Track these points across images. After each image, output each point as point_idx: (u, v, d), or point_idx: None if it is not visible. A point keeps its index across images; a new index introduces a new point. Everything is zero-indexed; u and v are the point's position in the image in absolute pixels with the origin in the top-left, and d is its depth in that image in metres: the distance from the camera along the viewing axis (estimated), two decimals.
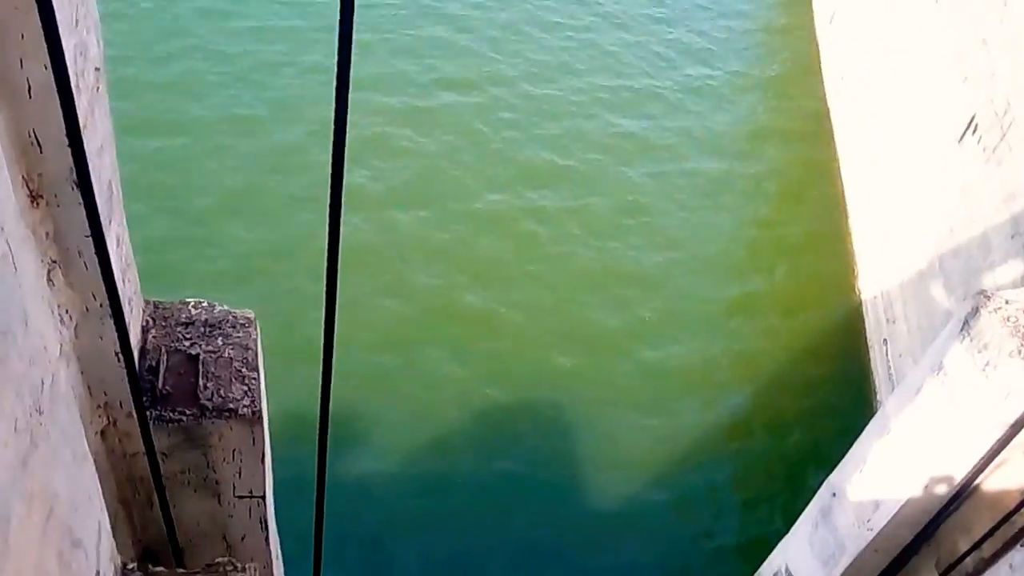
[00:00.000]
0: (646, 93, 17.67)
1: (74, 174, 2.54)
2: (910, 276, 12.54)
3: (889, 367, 12.55)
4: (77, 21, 2.65)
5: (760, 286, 14.46)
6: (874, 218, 14.52)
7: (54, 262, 2.76)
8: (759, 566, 8.54)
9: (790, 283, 14.52)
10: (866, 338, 13.64)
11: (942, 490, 6.34)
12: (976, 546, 6.15)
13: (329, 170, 1.96)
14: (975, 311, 6.08)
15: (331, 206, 2.00)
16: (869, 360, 13.36)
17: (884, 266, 13.64)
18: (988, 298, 6.08)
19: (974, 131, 11.76)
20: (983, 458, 6.01)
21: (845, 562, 6.77)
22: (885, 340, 12.93)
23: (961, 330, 6.14)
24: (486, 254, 14.16)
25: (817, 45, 19.31)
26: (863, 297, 14.19)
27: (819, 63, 18.87)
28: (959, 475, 6.25)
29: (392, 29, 17.80)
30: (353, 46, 1.77)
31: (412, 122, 15.98)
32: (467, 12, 18.70)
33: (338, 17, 1.74)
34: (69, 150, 2.43)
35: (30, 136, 2.48)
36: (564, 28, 18.99)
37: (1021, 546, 5.66)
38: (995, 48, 11.70)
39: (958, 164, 11.98)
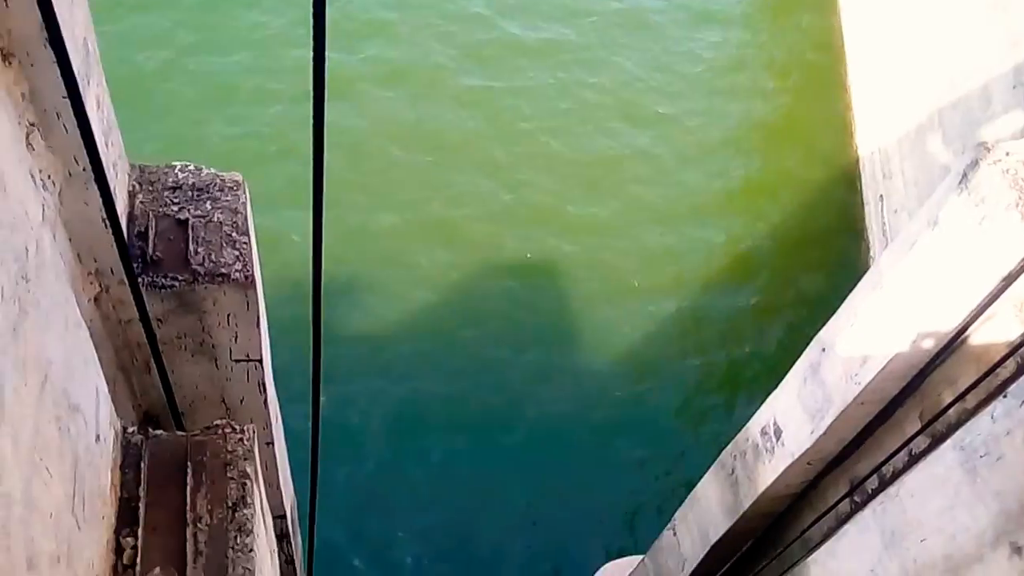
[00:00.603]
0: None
1: (44, 30, 2.41)
2: (908, 130, 12.35)
3: (884, 223, 12.54)
4: None
5: (754, 142, 14.27)
6: (873, 70, 14.18)
7: (32, 124, 2.66)
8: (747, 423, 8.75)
9: (785, 139, 14.33)
10: (862, 194, 13.58)
11: (930, 344, 6.41)
12: (960, 397, 6.26)
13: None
14: (974, 163, 5.97)
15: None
16: (864, 216, 13.34)
17: (882, 120, 13.42)
18: (988, 150, 5.97)
19: None
20: (972, 312, 6.05)
21: (832, 415, 6.90)
22: (881, 196, 12.86)
23: (959, 183, 6.05)
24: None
25: None
26: (860, 153, 14.03)
27: None
28: (948, 329, 6.31)
29: None
30: None
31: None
32: None
33: None
34: (37, 4, 2.30)
35: None
36: None
37: (1003, 397, 5.76)
38: None
39: (961, 10, 11.61)
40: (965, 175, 6.01)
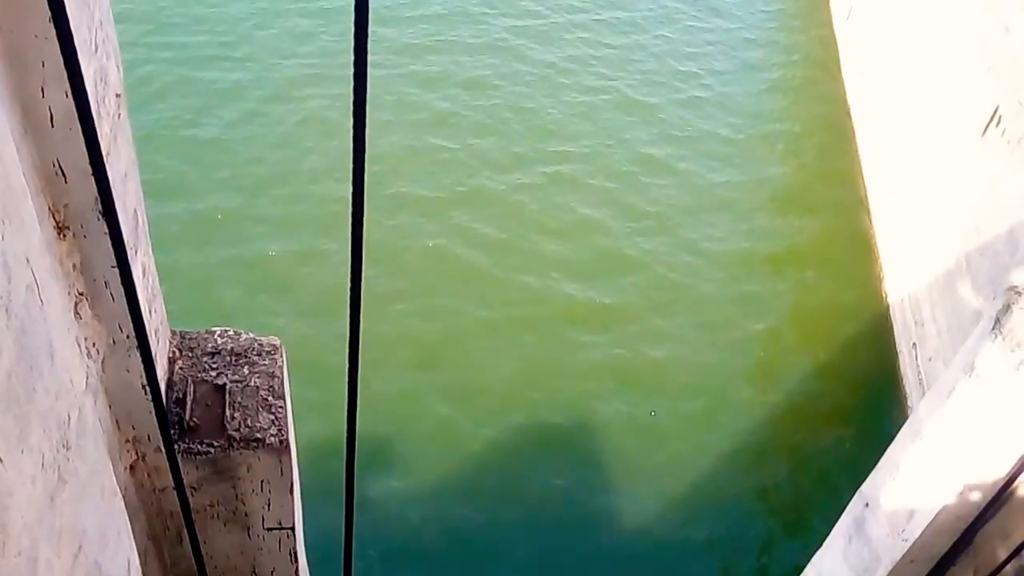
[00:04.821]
0: (665, 103, 17.58)
1: (99, 203, 2.50)
2: (937, 277, 12.37)
3: (919, 371, 12.38)
4: (96, 47, 2.62)
5: (784, 292, 14.32)
6: (898, 218, 14.36)
7: (81, 294, 2.72)
8: None
9: (815, 288, 14.37)
10: (895, 342, 13.47)
11: (978, 496, 6.21)
12: (1016, 553, 6.01)
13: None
14: (1007, 308, 5.95)
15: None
16: (898, 365, 13.19)
17: (910, 267, 13.47)
18: (1019, 294, 5.95)
19: (998, 123, 11.60)
20: (1020, 460, 5.88)
21: (881, 575, 6.64)
22: (914, 344, 12.75)
23: (993, 328, 6.02)
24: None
25: (836, 42, 19.22)
26: (890, 300, 14.02)
27: (838, 61, 18.77)
28: (996, 479, 6.12)
29: None
30: None
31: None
32: None
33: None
34: (93, 179, 2.39)
35: (54, 166, 2.44)
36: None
37: None
38: (1018, 35, 11.53)
39: (982, 158, 11.83)
40: (998, 320, 5.98)
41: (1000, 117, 11.55)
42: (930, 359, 12.08)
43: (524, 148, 16.12)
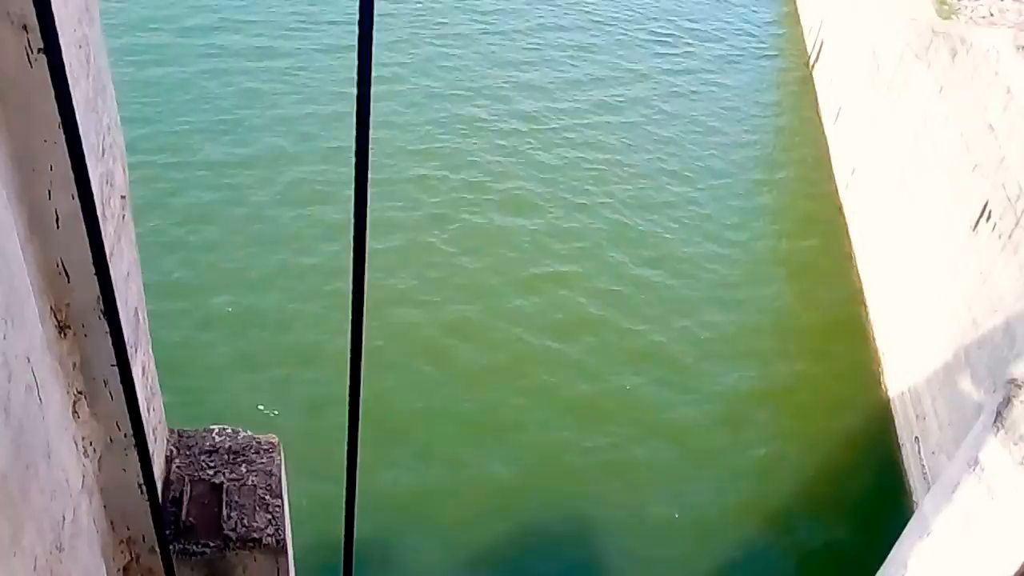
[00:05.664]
0: (664, 203, 17.82)
1: (101, 302, 2.52)
2: (936, 369, 12.37)
3: (923, 465, 12.26)
4: (104, 151, 2.68)
5: (782, 387, 14.27)
6: (894, 311, 14.43)
7: (80, 393, 2.72)
8: None
9: (813, 383, 14.32)
10: (896, 436, 13.37)
11: None
12: None
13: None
14: (1007, 401, 5.95)
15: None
16: (901, 458, 13.06)
17: (909, 360, 13.47)
18: (1020, 387, 5.96)
19: (988, 218, 11.78)
20: None
21: None
22: (916, 437, 12.66)
23: (994, 422, 6.00)
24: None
25: (826, 141, 19.64)
26: (890, 394, 13.97)
27: (829, 159, 19.15)
28: (1006, 574, 6.01)
29: None
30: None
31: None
32: None
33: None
34: (96, 279, 2.42)
35: (58, 266, 2.47)
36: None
37: None
38: (1002, 133, 11.82)
39: (975, 252, 11.96)
40: (999, 414, 5.95)
41: (990, 212, 11.74)
42: (933, 453, 11.98)
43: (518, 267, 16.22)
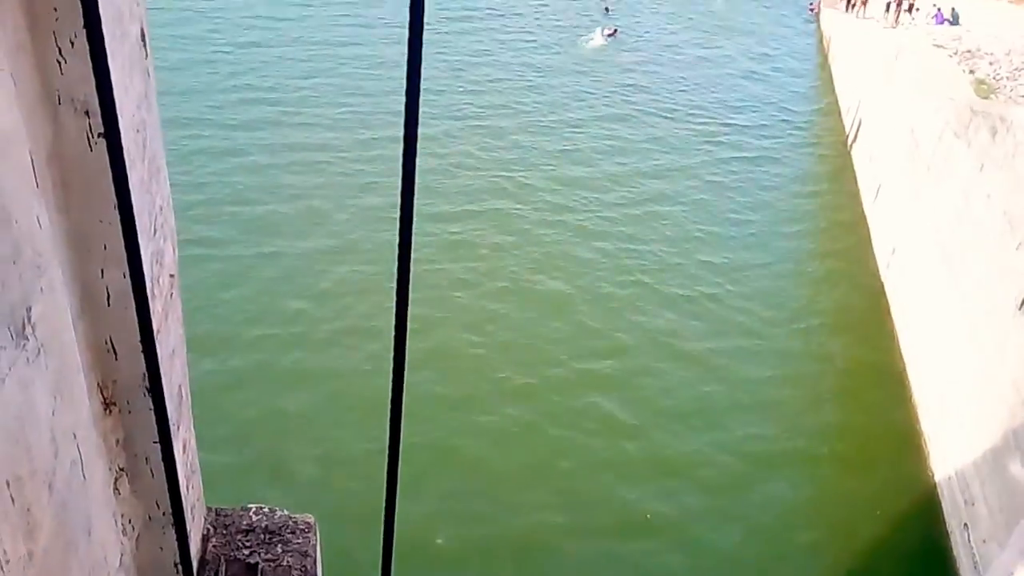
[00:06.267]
0: (702, 297, 17.82)
1: (146, 379, 2.54)
2: (984, 453, 12.02)
3: (973, 553, 11.83)
4: (155, 230, 2.73)
5: (828, 475, 13.92)
6: (939, 393, 14.11)
7: (121, 470, 2.72)
8: None
9: (860, 469, 13.93)
10: (945, 522, 12.94)
11: None
12: None
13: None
14: None
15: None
16: (950, 545, 12.61)
17: (955, 444, 13.11)
18: None
19: None
20: None
21: None
22: (965, 524, 12.25)
23: None
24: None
25: (866, 221, 19.56)
26: (936, 479, 13.56)
27: (869, 239, 19.04)
28: None
29: None
30: None
31: None
32: None
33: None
34: (143, 356, 2.44)
35: (106, 343, 2.50)
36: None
37: None
38: None
39: (1021, 332, 11.72)
40: None
41: None
42: (984, 541, 11.56)
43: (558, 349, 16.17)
